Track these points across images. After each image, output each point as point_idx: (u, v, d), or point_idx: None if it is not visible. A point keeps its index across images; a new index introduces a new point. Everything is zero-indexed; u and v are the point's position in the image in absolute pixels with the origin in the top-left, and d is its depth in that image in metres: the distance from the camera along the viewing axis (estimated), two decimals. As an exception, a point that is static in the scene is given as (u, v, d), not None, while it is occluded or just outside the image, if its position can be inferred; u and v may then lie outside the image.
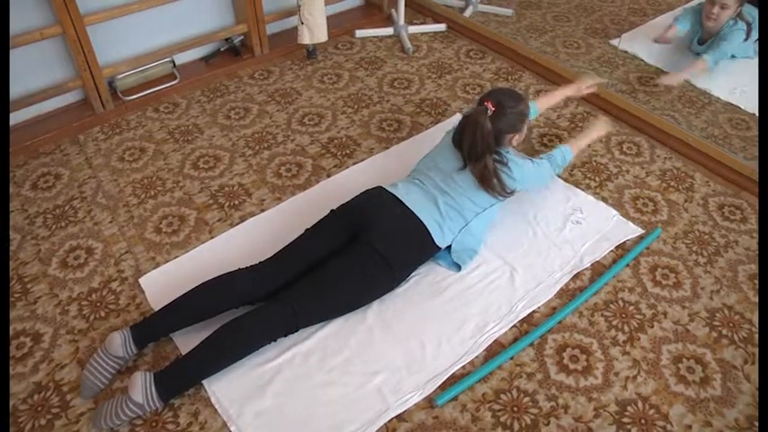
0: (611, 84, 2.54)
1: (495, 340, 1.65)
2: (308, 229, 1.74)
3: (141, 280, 1.81)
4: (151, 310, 1.72)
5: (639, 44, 2.82)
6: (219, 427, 1.46)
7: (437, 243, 1.73)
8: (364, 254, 1.64)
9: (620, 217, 2.02)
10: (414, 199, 1.74)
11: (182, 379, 1.50)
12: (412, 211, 1.71)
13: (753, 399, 1.53)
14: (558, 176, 2.14)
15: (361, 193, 1.80)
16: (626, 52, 2.79)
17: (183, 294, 1.60)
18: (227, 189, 2.15)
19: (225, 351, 1.51)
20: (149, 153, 2.31)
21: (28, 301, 1.77)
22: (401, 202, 1.73)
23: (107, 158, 2.29)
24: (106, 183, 2.18)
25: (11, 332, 1.68)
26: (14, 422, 1.48)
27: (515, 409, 1.50)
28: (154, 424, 1.47)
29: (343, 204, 1.78)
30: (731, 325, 1.70)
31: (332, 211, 1.77)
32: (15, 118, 2.36)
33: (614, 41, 2.86)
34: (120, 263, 1.87)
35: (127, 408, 1.42)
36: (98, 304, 1.75)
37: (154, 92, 2.58)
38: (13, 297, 1.78)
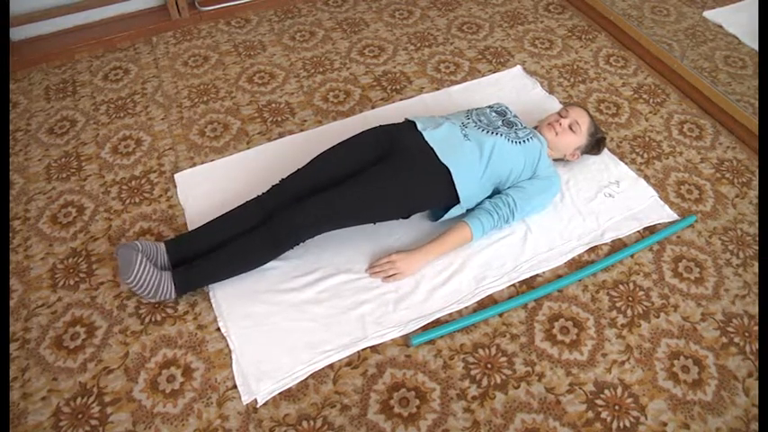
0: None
1: (490, 295, 1.52)
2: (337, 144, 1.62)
3: (176, 176, 1.82)
4: (178, 204, 1.73)
5: (738, 20, 2.39)
6: (211, 320, 1.47)
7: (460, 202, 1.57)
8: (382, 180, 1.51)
9: (658, 199, 1.77)
10: (455, 160, 1.54)
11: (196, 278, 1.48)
12: (452, 179, 1.53)
13: (744, 413, 1.33)
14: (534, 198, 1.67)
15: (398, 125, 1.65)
16: (720, 27, 2.38)
17: (211, 220, 1.55)
18: (273, 105, 2.08)
19: (236, 261, 1.47)
20: (211, 62, 2.28)
21: (80, 177, 1.83)
22: (440, 162, 1.53)
23: (173, 61, 2.28)
24: (167, 83, 2.17)
25: (62, 201, 1.76)
26: (52, 276, 1.56)
27: (489, 365, 1.40)
28: (156, 305, 1.49)
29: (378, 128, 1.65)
30: (746, 334, 1.48)
31: (367, 130, 1.65)
32: (101, 14, 2.40)
33: (708, 13, 2.44)
34: (163, 157, 1.89)
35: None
36: (135, 190, 1.78)
37: (230, 5, 2.51)
38: (69, 172, 1.85)
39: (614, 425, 1.30)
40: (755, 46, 2.30)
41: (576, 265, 1.61)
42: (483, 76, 2.24)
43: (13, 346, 1.42)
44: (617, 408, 1.33)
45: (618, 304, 1.53)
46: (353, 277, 1.55)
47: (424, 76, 2.23)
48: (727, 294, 1.56)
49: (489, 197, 1.63)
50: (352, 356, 1.40)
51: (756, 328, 1.48)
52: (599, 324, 1.48)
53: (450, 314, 1.48)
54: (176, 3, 2.38)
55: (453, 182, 1.53)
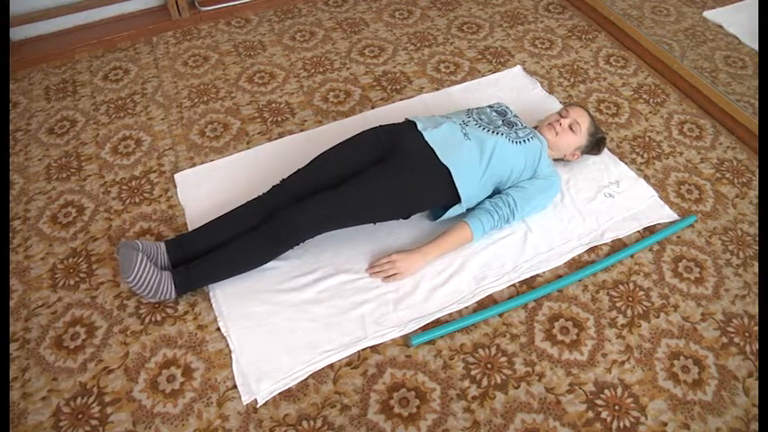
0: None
1: (490, 295, 1.52)
2: (339, 144, 1.62)
3: (176, 176, 1.81)
4: (178, 204, 1.73)
5: (738, 20, 2.39)
6: (211, 320, 1.46)
7: (462, 202, 1.56)
8: (384, 180, 1.51)
9: (658, 199, 1.77)
10: (455, 160, 1.54)
11: (196, 278, 1.48)
12: (452, 179, 1.53)
13: (745, 413, 1.33)
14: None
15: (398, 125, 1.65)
16: (720, 27, 2.38)
17: (213, 220, 1.55)
18: (273, 105, 2.08)
19: (236, 260, 1.47)
20: (211, 62, 2.28)
21: (80, 177, 1.83)
22: (441, 162, 1.53)
23: (173, 62, 2.27)
24: (167, 83, 2.17)
25: (62, 201, 1.75)
26: (52, 276, 1.56)
27: (489, 365, 1.39)
28: (156, 305, 1.49)
29: (380, 128, 1.65)
30: (746, 334, 1.47)
31: (368, 129, 1.65)
32: (101, 14, 2.40)
33: (708, 13, 2.44)
34: (163, 157, 1.88)
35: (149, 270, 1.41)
36: (135, 190, 1.78)
37: (230, 6, 2.51)
38: (69, 172, 1.84)
39: (614, 425, 1.30)
40: (755, 46, 2.30)
41: (576, 265, 1.60)
42: (483, 76, 2.24)
43: (13, 346, 1.42)
44: (617, 408, 1.33)
45: (618, 304, 1.52)
46: (353, 277, 1.55)
47: (424, 76, 2.23)
48: (727, 294, 1.56)
49: (489, 197, 1.63)
50: (352, 356, 1.40)
51: (756, 328, 1.48)
52: (599, 324, 1.48)
53: (451, 314, 1.48)
54: (176, 3, 2.38)
55: (454, 182, 1.53)
